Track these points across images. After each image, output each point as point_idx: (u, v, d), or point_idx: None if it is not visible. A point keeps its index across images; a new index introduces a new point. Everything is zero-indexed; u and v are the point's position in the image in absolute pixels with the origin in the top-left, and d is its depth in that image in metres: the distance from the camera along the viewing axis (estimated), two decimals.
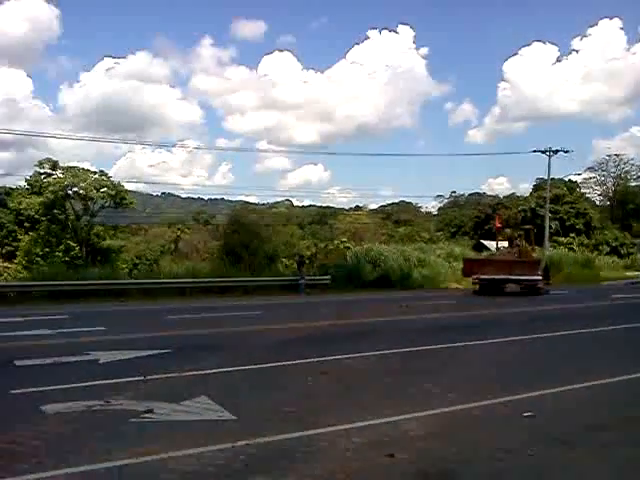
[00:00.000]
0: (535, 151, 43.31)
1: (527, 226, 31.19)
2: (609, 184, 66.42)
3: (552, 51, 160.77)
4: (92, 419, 6.48)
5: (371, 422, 6.42)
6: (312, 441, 5.79)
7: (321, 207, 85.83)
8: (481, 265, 26.03)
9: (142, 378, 8.31)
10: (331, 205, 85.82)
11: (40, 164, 44.07)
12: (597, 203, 67.20)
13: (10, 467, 5.03)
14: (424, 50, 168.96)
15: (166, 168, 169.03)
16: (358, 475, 4.95)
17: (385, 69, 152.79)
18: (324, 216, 76.67)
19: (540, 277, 24.87)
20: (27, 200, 43.26)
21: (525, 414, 6.70)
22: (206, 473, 4.97)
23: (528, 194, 63.22)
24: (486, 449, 5.60)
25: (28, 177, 44.91)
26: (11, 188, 48.29)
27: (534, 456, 5.45)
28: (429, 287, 28.71)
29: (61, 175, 43.24)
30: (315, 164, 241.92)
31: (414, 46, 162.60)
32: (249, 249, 29.85)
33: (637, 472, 5.31)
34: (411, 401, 7.33)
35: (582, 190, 64.08)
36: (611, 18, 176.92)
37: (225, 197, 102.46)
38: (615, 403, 7.59)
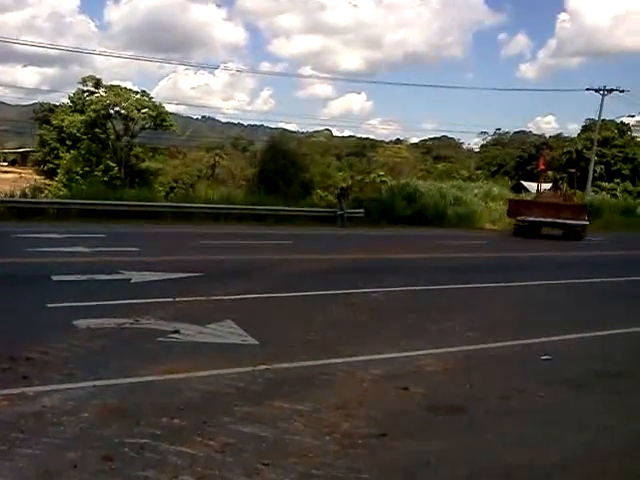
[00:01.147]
0: (588, 89, 40.64)
1: (572, 170, 30.32)
2: None
3: None
4: (121, 336, 6.74)
5: (390, 355, 6.57)
6: (330, 370, 5.95)
7: (360, 138, 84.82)
8: (527, 207, 25.40)
9: (171, 300, 8.54)
10: (371, 137, 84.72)
11: (83, 81, 43.86)
12: None
13: (42, 376, 5.30)
14: None
15: (208, 91, 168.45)
16: (372, 405, 5.09)
17: None
18: (363, 148, 75.80)
19: (586, 222, 24.44)
20: (70, 118, 43.28)
21: (543, 357, 6.76)
22: (225, 393, 5.17)
23: (576, 135, 60.97)
24: (499, 388, 5.69)
25: (71, 94, 45.06)
26: (55, 105, 48.40)
27: (544, 397, 5.53)
28: (464, 226, 28.47)
29: (104, 94, 43.08)
30: (358, 93, 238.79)
31: None
32: (285, 177, 29.79)
33: None
34: (431, 337, 7.44)
35: (633, 134, 61.21)
36: None
37: (265, 124, 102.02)
38: (635, 352, 7.58)
